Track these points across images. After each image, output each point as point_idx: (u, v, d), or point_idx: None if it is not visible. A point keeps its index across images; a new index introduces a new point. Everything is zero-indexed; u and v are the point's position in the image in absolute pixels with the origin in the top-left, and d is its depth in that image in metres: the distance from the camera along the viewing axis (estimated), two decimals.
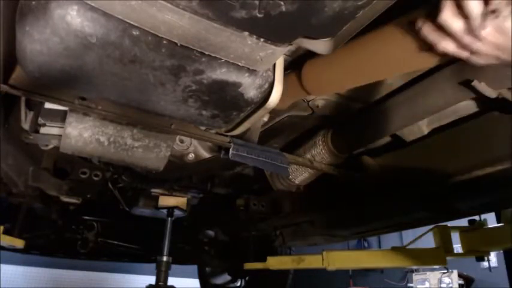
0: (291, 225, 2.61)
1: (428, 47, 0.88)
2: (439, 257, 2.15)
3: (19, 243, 1.92)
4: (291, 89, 1.27)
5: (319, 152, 1.56)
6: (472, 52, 0.81)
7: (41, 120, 1.29)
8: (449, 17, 0.78)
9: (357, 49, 1.07)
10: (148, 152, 1.35)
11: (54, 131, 1.33)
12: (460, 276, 5.77)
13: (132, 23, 0.75)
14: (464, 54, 0.82)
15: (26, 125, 1.35)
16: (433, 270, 6.07)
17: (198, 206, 2.19)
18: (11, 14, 0.81)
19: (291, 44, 0.88)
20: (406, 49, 0.94)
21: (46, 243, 2.65)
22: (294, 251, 3.17)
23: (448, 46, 0.83)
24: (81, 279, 6.39)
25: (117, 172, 1.83)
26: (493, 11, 0.72)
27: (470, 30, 0.76)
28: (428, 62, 0.95)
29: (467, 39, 0.78)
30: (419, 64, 1.00)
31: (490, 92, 1.08)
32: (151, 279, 1.93)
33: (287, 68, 1.29)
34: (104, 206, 2.37)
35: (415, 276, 6.36)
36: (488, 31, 0.74)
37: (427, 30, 0.84)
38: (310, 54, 1.17)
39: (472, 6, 0.73)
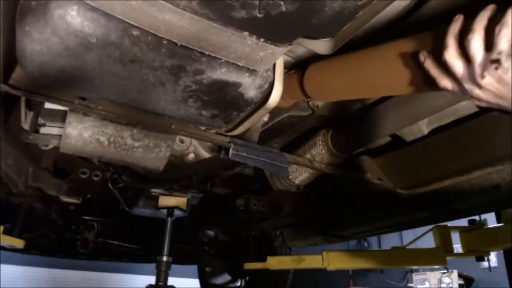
0: (291, 225, 2.61)
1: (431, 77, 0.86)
2: (439, 257, 2.15)
3: (19, 243, 1.92)
4: (292, 90, 1.27)
5: (319, 152, 1.55)
6: (472, 96, 0.79)
7: (41, 120, 1.29)
8: (452, 57, 0.77)
9: (362, 61, 1.05)
10: (148, 152, 1.34)
11: (54, 131, 1.33)
12: (460, 276, 5.76)
13: (132, 23, 0.75)
14: (465, 95, 0.81)
15: (26, 125, 1.35)
16: (433, 270, 6.06)
17: (198, 206, 2.19)
18: (11, 14, 0.81)
19: (291, 44, 0.88)
20: (409, 72, 0.92)
21: (46, 243, 2.65)
22: (294, 251, 3.17)
23: (448, 85, 0.81)
24: (81, 279, 6.38)
25: (117, 172, 1.82)
26: (494, 61, 0.70)
27: (471, 76, 0.75)
28: (431, 88, 0.92)
29: (467, 84, 0.77)
30: (423, 89, 0.96)
31: None
32: (151, 279, 1.93)
33: (290, 69, 1.29)
34: (104, 206, 2.37)
35: (415, 276, 6.36)
36: (488, 81, 0.73)
37: (430, 65, 0.83)
38: (314, 58, 1.17)
39: (475, 50, 0.72)
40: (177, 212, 2.01)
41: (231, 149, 1.22)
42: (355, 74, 1.09)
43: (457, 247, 2.25)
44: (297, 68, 1.27)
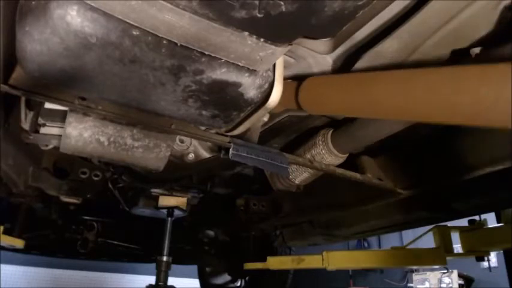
0: (291, 225, 2.61)
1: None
2: (439, 257, 2.15)
3: (19, 243, 1.92)
4: (285, 97, 1.25)
5: (319, 152, 1.55)
6: None
7: (41, 120, 1.29)
8: None
9: (368, 82, 1.02)
10: (148, 152, 1.34)
11: (54, 131, 1.33)
12: (460, 276, 5.77)
13: (132, 23, 0.75)
14: None
15: (26, 125, 1.35)
16: (433, 270, 6.08)
17: (198, 206, 2.19)
18: (11, 14, 0.81)
19: (291, 44, 0.88)
20: (418, 100, 0.88)
21: (46, 243, 2.65)
22: (294, 251, 3.17)
23: None
24: (81, 279, 6.39)
25: (117, 172, 1.83)
26: None
27: None
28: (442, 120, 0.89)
29: None
30: (434, 120, 0.92)
31: None
32: (151, 279, 1.93)
33: (287, 78, 1.29)
34: (104, 206, 2.37)
35: (415, 276, 6.37)
36: None
37: None
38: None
39: None
40: (177, 212, 2.01)
41: (231, 149, 1.22)
42: (358, 93, 1.05)
43: (457, 247, 2.25)
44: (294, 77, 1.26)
